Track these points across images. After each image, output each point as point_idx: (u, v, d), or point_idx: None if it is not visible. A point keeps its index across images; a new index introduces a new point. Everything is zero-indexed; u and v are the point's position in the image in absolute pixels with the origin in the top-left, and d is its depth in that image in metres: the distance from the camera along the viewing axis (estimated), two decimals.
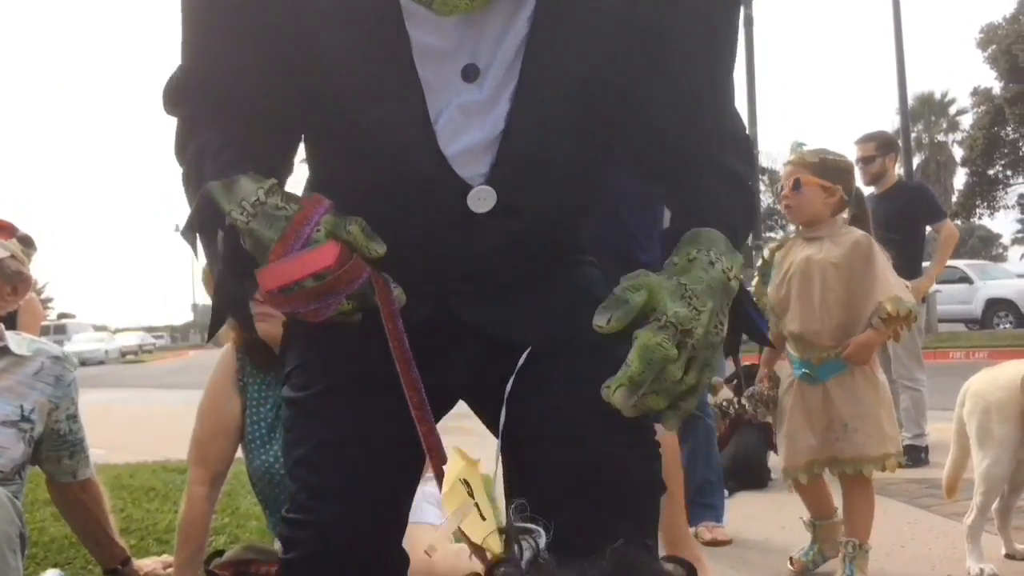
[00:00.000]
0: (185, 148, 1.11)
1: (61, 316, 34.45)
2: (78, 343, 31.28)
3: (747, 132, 1.20)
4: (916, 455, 4.54)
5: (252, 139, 1.08)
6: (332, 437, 1.11)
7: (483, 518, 0.84)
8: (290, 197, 0.99)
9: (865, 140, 4.96)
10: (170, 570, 2.44)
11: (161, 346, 42.87)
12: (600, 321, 0.92)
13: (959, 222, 30.64)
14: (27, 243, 2.28)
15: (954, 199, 31.28)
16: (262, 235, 0.96)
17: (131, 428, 7.33)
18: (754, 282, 2.95)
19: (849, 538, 2.65)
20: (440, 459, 0.91)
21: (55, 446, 2.28)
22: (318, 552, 1.09)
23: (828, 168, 2.78)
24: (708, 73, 1.10)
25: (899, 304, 2.57)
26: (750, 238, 4.04)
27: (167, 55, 1.21)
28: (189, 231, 1.04)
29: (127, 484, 3.95)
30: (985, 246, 45.69)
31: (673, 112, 1.08)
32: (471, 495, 0.85)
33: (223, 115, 1.08)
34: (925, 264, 5.32)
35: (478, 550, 0.82)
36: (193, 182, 1.07)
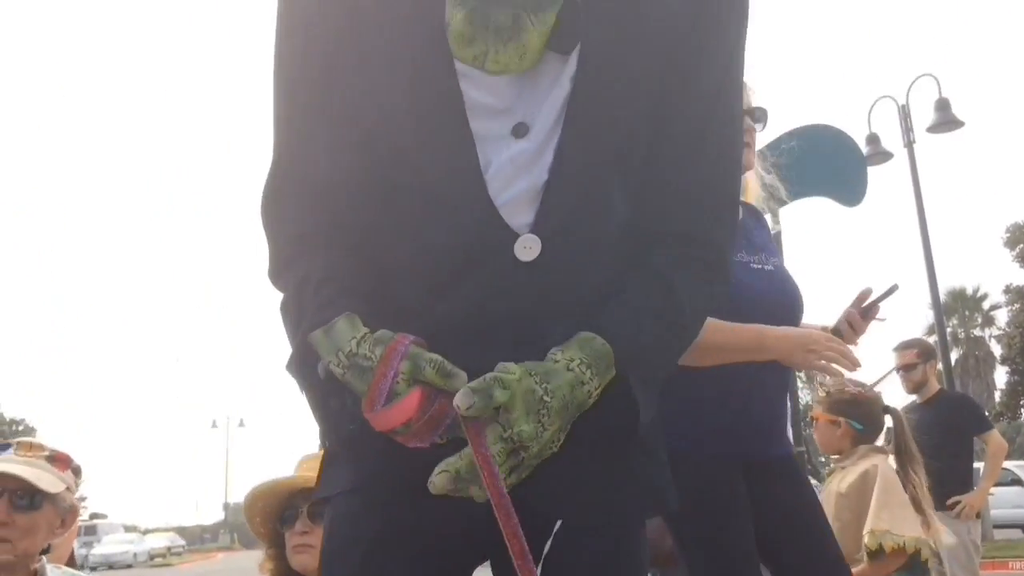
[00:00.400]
0: (282, 274, 1.15)
1: (93, 516, 34.07)
2: (107, 544, 30.77)
3: (726, 249, 1.18)
4: None
5: (347, 251, 1.13)
6: None
7: None
8: (377, 341, 1.00)
9: (905, 347, 4.89)
10: None
11: (190, 548, 41.99)
12: (459, 402, 0.94)
13: (1005, 421, 29.84)
14: (77, 473, 2.32)
15: (997, 397, 30.66)
16: (356, 387, 0.99)
17: None
18: None
19: None
20: None
21: None
22: None
23: (833, 402, 2.84)
24: (695, 164, 1.13)
25: (881, 537, 2.45)
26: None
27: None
28: (293, 369, 1.08)
29: None
30: None
31: (651, 194, 1.12)
32: None
33: (322, 216, 1.14)
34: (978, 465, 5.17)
35: None
36: (293, 313, 1.11)
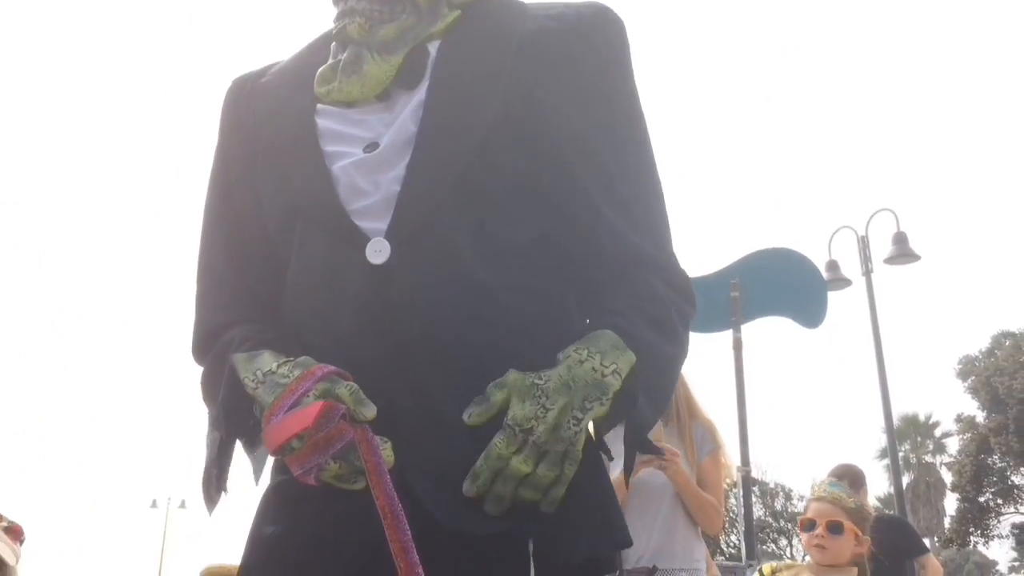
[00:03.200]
0: (205, 349, 1.21)
1: None
2: None
3: (673, 260, 1.21)
4: None
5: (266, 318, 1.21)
6: None
7: None
8: (297, 365, 1.05)
9: (840, 476, 4.99)
10: None
11: None
12: (465, 415, 1.00)
13: (954, 548, 29.82)
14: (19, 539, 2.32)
15: (947, 524, 30.76)
16: (263, 400, 1.03)
17: None
18: None
19: None
20: None
21: None
22: None
23: (864, 518, 2.82)
24: (614, 187, 1.17)
25: None
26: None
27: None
28: (215, 415, 1.12)
29: None
30: (983, 573, 44.10)
31: (579, 220, 1.16)
32: None
33: (239, 310, 1.23)
34: None
35: None
36: (214, 377, 1.15)
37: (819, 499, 2.92)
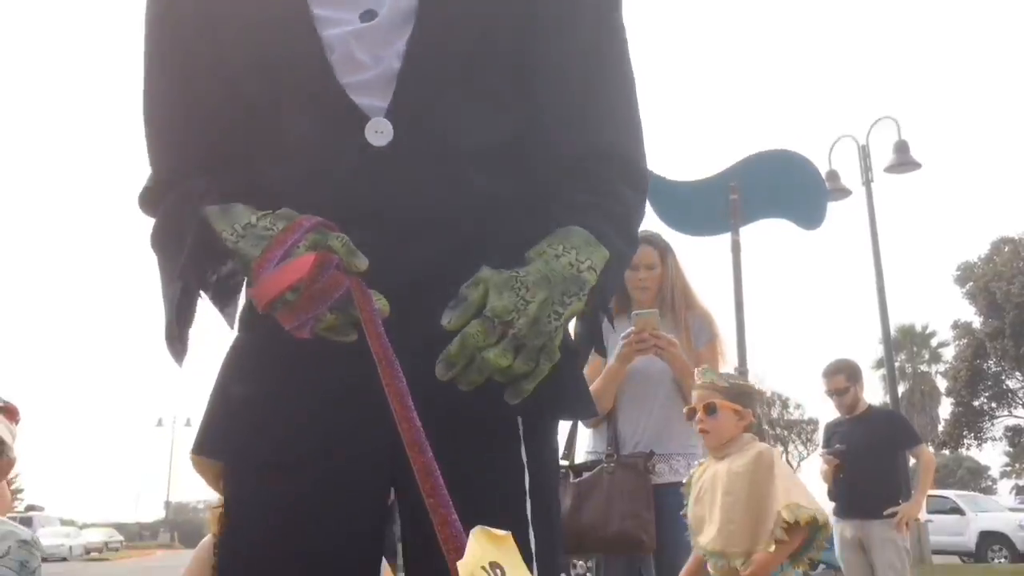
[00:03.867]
0: (159, 203, 1.12)
1: (29, 508, 33.22)
2: (42, 537, 30.01)
3: (642, 161, 1.19)
4: None
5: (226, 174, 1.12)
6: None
7: None
8: (280, 217, 1.00)
9: (834, 372, 5.04)
10: None
11: (128, 544, 41.25)
12: (444, 320, 0.96)
13: (947, 452, 30.40)
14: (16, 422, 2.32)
15: (940, 428, 31.32)
16: (246, 253, 0.97)
17: None
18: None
19: None
20: (457, 554, 0.72)
21: None
22: None
23: (740, 393, 2.89)
24: (587, 80, 1.15)
25: (797, 511, 2.56)
26: None
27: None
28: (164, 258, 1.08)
29: None
30: (974, 478, 45.11)
31: (553, 110, 1.13)
32: None
33: (196, 154, 1.13)
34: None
35: None
36: (173, 228, 1.08)
37: (696, 387, 2.97)
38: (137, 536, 57.83)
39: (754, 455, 2.76)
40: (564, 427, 3.41)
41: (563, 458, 3.28)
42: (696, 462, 3.19)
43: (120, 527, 43.59)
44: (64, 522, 39.39)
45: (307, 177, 1.08)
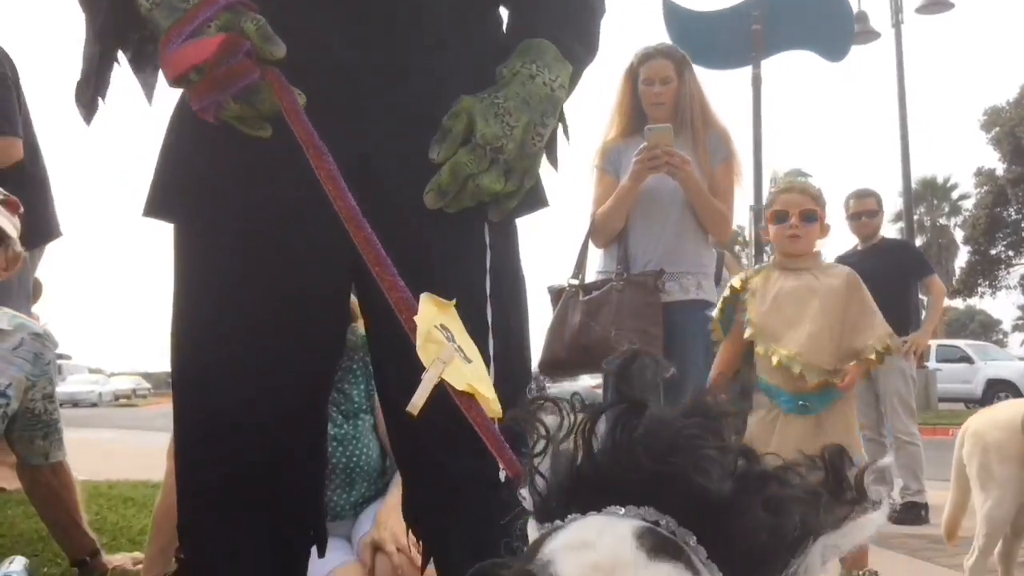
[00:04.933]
0: None
1: (58, 357, 34.22)
2: (72, 384, 31.06)
3: None
4: (916, 512, 4.43)
5: None
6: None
7: (469, 360, 0.79)
8: None
9: (866, 195, 4.97)
10: (140, 566, 2.34)
11: (156, 391, 42.68)
12: (432, 154, 0.98)
13: (960, 300, 30.58)
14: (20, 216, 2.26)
15: (955, 279, 31.37)
16: (158, 23, 0.94)
17: (118, 460, 7.19)
18: (714, 314, 2.89)
19: (853, 570, 2.64)
20: (410, 313, 0.83)
21: (29, 425, 2.22)
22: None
23: (824, 204, 2.82)
24: None
25: (895, 340, 2.62)
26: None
27: None
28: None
29: (104, 493, 3.82)
30: (986, 331, 45.58)
31: None
32: (451, 340, 0.79)
33: None
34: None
35: (467, 399, 0.76)
36: None
37: (787, 190, 2.85)
38: (164, 384, 59.85)
39: (846, 275, 2.72)
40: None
41: (573, 277, 3.25)
42: (705, 281, 3.13)
43: (147, 376, 44.98)
44: (92, 371, 40.67)
45: None
